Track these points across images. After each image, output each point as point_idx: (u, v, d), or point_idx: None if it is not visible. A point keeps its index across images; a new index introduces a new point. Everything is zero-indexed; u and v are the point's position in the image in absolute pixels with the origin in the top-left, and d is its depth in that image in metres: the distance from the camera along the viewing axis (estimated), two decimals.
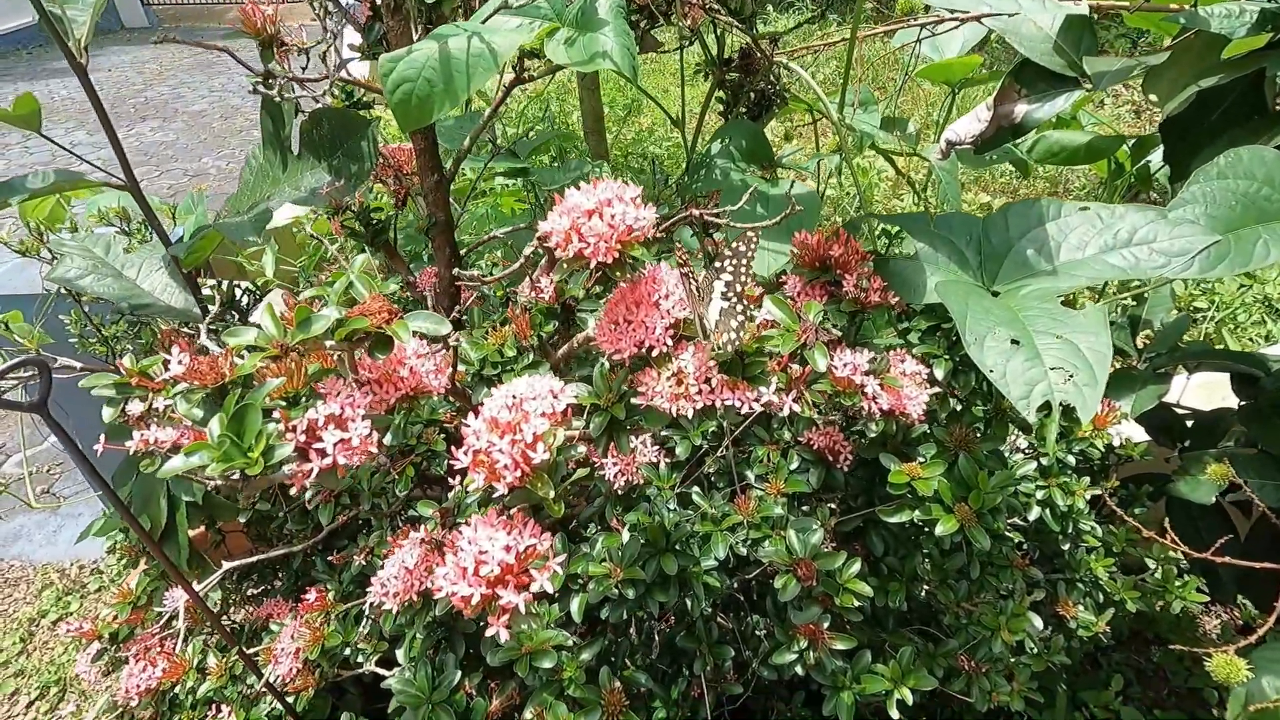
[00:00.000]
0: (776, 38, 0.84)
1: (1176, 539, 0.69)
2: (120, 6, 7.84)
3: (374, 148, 0.83)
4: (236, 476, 0.38)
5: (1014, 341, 0.55)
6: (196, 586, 0.83)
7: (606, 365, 0.53)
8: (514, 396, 0.46)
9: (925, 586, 0.82)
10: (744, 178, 0.87)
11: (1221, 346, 2.27)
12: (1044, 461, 0.88)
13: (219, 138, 4.52)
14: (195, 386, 0.42)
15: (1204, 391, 1.40)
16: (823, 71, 4.06)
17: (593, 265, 0.44)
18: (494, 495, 0.41)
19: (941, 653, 0.82)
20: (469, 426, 0.43)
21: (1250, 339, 2.31)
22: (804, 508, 0.78)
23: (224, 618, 1.15)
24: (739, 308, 0.45)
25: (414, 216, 1.05)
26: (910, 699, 0.74)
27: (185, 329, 1.05)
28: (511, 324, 0.63)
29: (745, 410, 0.45)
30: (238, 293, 0.97)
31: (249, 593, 1.30)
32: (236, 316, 0.97)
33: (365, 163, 0.83)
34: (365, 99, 0.86)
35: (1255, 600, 1.17)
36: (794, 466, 0.76)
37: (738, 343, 0.45)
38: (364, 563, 0.80)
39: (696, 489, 0.79)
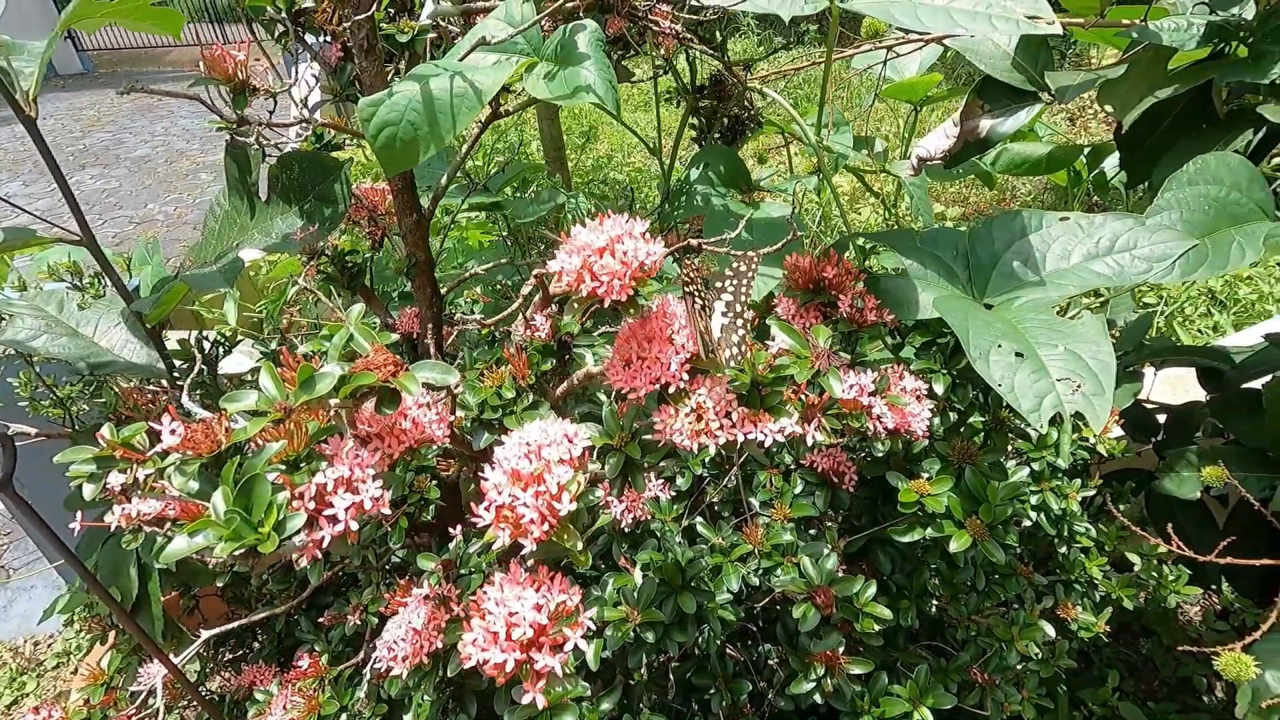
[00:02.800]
0: (750, 64, 0.85)
1: (1178, 539, 0.70)
2: (54, 53, 7.62)
3: (347, 190, 0.80)
4: (241, 553, 0.35)
5: (1018, 354, 0.55)
6: (173, 659, 0.78)
7: (614, 404, 0.52)
8: (528, 444, 0.44)
9: (934, 602, 0.81)
10: (725, 203, 0.87)
11: (1173, 339, 2.36)
12: (1035, 467, 0.89)
13: (164, 183, 4.39)
14: (189, 457, 0.40)
15: (1167, 386, 1.45)
16: (782, 96, 4.15)
17: (607, 304, 0.42)
18: (521, 551, 0.39)
19: (954, 667, 0.81)
20: (488, 480, 0.41)
21: (1199, 330, 2.40)
22: (811, 531, 0.77)
23: (200, 688, 1.08)
24: (739, 323, 0.45)
25: (384, 258, 1.02)
26: (930, 719, 0.73)
27: (149, 386, 1.00)
28: (508, 364, 0.61)
29: (769, 443, 0.45)
30: (206, 345, 0.93)
31: (225, 658, 1.23)
32: (206, 370, 0.92)
33: (339, 205, 0.81)
34: (334, 140, 0.84)
35: (1238, 588, 1.20)
36: (798, 490, 0.75)
37: (741, 356, 0.44)
38: (359, 621, 0.76)
39: (700, 519, 0.77)
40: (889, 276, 0.72)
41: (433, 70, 0.61)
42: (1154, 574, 0.99)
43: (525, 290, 0.55)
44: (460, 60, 0.66)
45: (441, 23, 0.79)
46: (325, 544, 0.38)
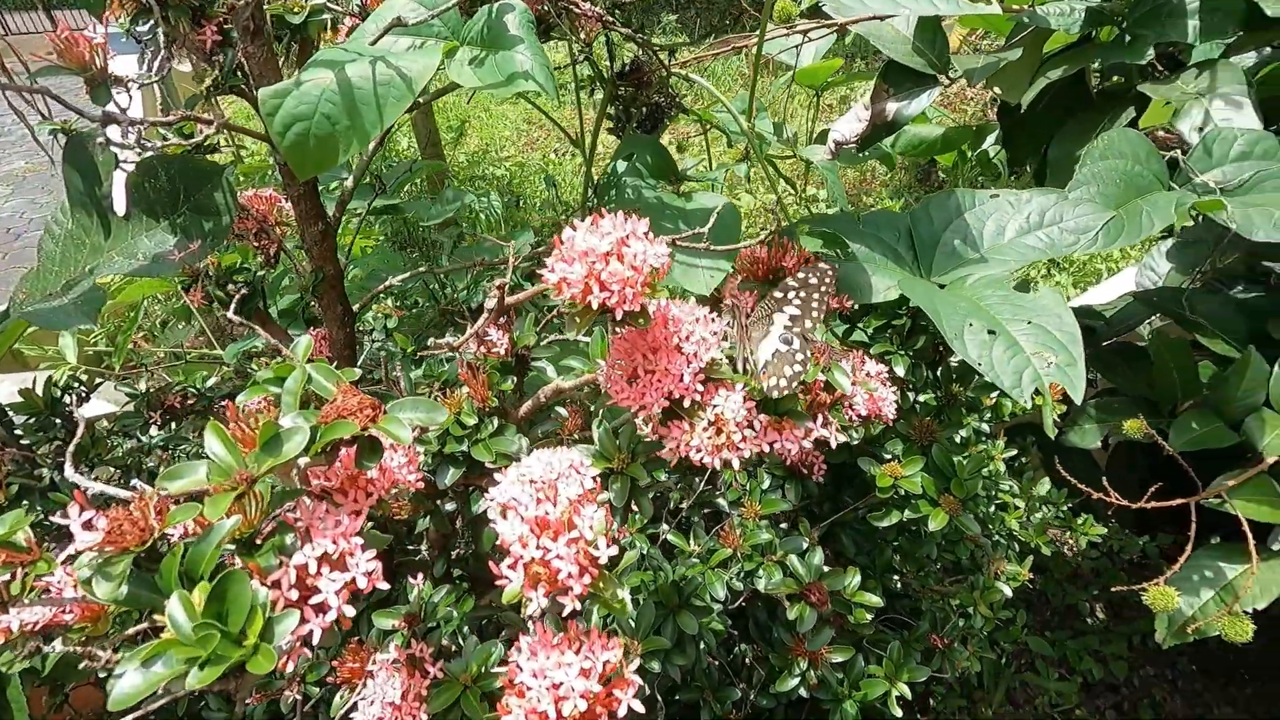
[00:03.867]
0: (674, 49, 0.82)
1: (1112, 487, 0.76)
2: None
3: (232, 198, 0.69)
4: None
5: (990, 332, 0.56)
6: None
7: (607, 424, 0.47)
8: (534, 481, 0.38)
9: (895, 577, 0.83)
10: (658, 195, 0.83)
11: None
12: (963, 433, 0.94)
13: None
14: (111, 554, 0.31)
15: None
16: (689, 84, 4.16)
17: (619, 316, 0.37)
18: (563, 611, 0.33)
19: (916, 637, 0.84)
20: (506, 532, 0.34)
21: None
22: (782, 525, 0.75)
23: None
24: (799, 357, 0.41)
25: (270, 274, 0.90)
26: (908, 694, 0.74)
27: None
28: (465, 386, 0.54)
29: (795, 451, 0.42)
30: (59, 393, 0.77)
31: None
32: (59, 422, 0.77)
33: (223, 216, 0.69)
34: (210, 142, 0.72)
35: (1122, 522, 1.34)
36: (765, 485, 0.73)
37: (786, 390, 0.41)
38: (298, 696, 0.66)
39: (665, 526, 0.74)
40: (839, 262, 0.71)
41: (346, 55, 0.53)
42: (1066, 520, 1.07)
43: (490, 304, 0.49)
44: (372, 44, 0.58)
45: (331, 4, 0.69)
46: (316, 640, 0.31)
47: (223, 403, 0.97)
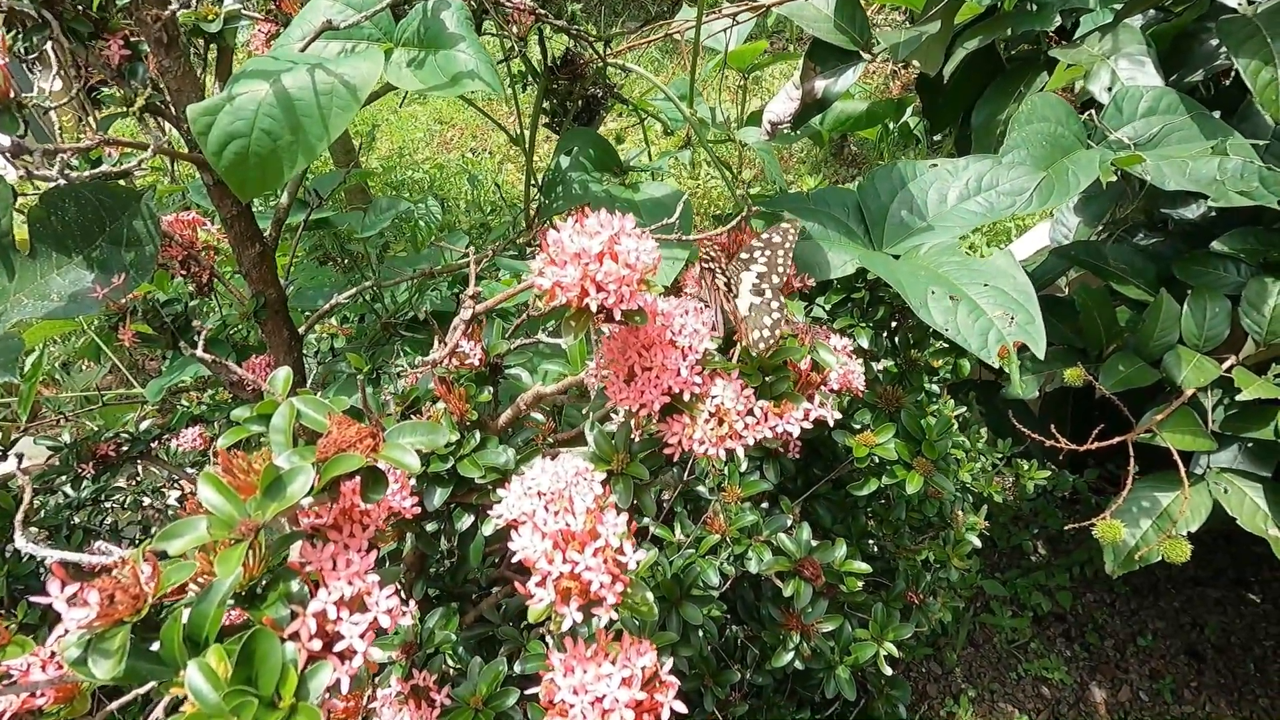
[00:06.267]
0: (609, 40, 0.81)
1: (1050, 432, 0.80)
2: None
3: (155, 226, 0.64)
4: None
5: (951, 298, 0.58)
6: None
7: (599, 425, 0.46)
8: (542, 494, 0.37)
9: (870, 541, 0.86)
10: (606, 188, 0.82)
11: None
12: (919, 397, 0.98)
13: None
14: (103, 628, 0.28)
15: None
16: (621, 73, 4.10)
17: (617, 316, 0.37)
18: (600, 623, 0.32)
19: (894, 597, 0.87)
20: (528, 549, 0.33)
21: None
22: (763, 505, 0.77)
23: None
24: (774, 305, 0.41)
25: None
26: (895, 652, 0.77)
27: None
28: (440, 402, 0.52)
29: (797, 433, 0.42)
30: None
31: None
32: None
33: (146, 246, 0.64)
34: (120, 166, 0.66)
35: (1056, 463, 1.43)
36: (744, 468, 0.74)
37: (772, 341, 0.41)
38: None
39: (648, 520, 0.74)
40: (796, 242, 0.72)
41: (279, 64, 0.49)
42: (1015, 467, 1.14)
43: (465, 316, 0.47)
44: (301, 51, 0.54)
45: (245, 9, 0.64)
46: (345, 689, 0.29)
47: (153, 445, 0.90)
